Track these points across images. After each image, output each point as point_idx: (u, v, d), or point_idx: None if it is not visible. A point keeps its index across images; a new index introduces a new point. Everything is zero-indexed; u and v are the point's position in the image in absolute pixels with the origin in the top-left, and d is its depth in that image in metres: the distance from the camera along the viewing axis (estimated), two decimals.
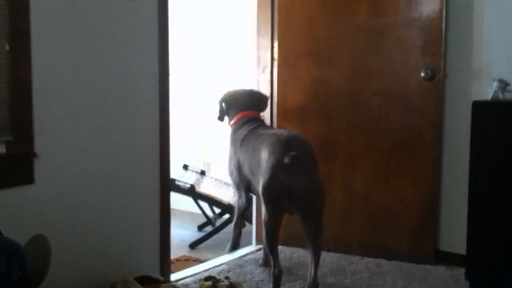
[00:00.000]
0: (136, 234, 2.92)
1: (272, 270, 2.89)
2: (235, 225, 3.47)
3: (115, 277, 2.70)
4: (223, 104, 3.42)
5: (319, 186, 2.78)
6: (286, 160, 2.66)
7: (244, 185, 3.22)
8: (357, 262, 3.45)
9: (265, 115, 3.69)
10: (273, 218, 2.80)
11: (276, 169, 2.71)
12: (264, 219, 2.82)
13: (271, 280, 2.92)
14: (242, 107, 3.35)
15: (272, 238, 2.84)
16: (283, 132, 2.98)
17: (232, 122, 3.36)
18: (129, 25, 2.81)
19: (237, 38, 4.73)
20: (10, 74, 2.36)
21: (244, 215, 3.77)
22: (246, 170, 3.12)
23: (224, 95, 3.46)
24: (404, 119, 3.42)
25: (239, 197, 3.34)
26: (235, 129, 3.29)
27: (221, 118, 3.46)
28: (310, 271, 2.86)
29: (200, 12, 5.10)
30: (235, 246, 3.49)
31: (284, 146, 2.77)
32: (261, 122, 3.33)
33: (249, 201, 3.38)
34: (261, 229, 3.71)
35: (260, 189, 2.80)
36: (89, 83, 2.65)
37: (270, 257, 2.89)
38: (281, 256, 3.22)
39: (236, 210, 3.42)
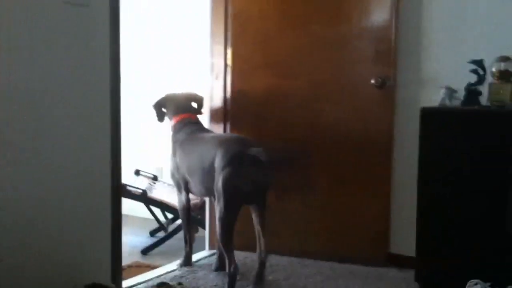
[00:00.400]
0: (87, 241, 2.86)
1: (227, 268, 2.91)
2: (185, 230, 3.48)
3: (66, 285, 2.64)
4: (163, 107, 3.49)
5: (271, 176, 3.00)
6: (253, 152, 2.86)
7: (183, 184, 3.34)
8: (310, 265, 3.49)
9: (207, 118, 3.76)
10: (233, 213, 2.89)
11: (237, 163, 2.86)
12: (222, 215, 2.87)
13: (226, 280, 2.94)
14: (180, 110, 3.44)
15: (230, 234, 2.90)
16: (227, 133, 3.31)
17: (172, 124, 3.45)
18: (80, 31, 2.75)
19: (191, 44, 4.71)
20: None
21: (197, 220, 3.75)
22: (184, 170, 3.25)
23: (163, 97, 3.53)
24: (357, 127, 3.49)
25: (179, 195, 3.42)
26: (175, 132, 3.41)
27: (161, 119, 3.54)
28: (260, 249, 3.11)
29: (154, 17, 5.06)
30: (187, 262, 3.48)
31: (239, 143, 2.98)
32: (199, 126, 3.42)
33: (189, 200, 3.45)
34: (214, 234, 3.73)
35: (220, 184, 2.86)
36: (37, 90, 2.57)
37: (226, 256, 2.92)
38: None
39: (180, 210, 3.49)
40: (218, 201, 2.90)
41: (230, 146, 2.95)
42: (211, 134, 3.34)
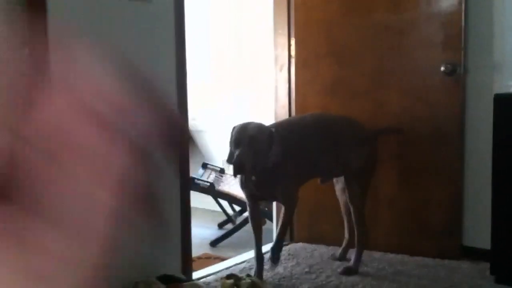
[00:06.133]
0: (157, 233, 2.92)
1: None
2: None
3: (137, 276, 2.71)
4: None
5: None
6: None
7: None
8: (380, 258, 3.43)
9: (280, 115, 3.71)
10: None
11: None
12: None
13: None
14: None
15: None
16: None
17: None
18: (146, 27, 2.80)
19: (254, 36, 4.72)
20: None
21: (264, 212, 3.75)
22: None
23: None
24: (426, 116, 3.38)
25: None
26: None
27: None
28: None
29: (216, 10, 5.10)
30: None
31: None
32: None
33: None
34: None
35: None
36: None
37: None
38: (303, 253, 3.28)
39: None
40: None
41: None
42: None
